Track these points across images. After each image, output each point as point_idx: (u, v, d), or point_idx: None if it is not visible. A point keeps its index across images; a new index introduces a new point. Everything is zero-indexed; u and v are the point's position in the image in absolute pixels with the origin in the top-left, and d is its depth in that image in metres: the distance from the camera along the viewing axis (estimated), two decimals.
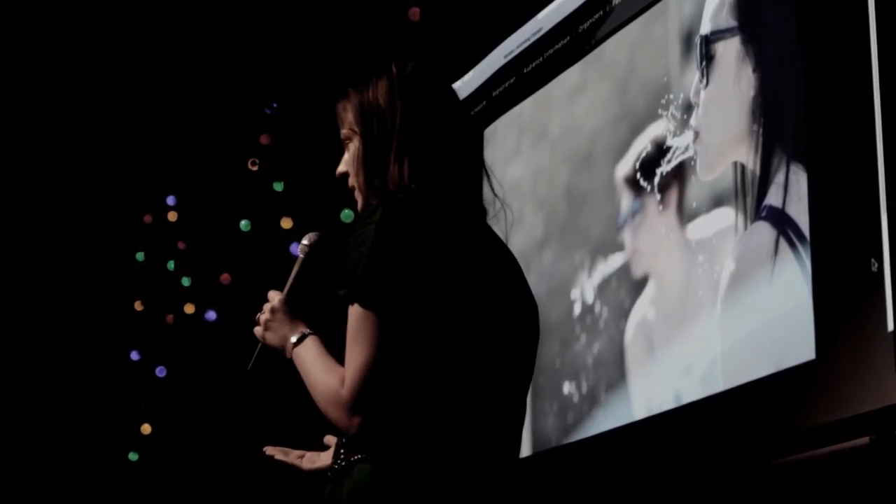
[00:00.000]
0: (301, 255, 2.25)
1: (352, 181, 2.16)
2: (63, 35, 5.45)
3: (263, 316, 2.17)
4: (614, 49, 4.06)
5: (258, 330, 2.19)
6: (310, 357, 2.07)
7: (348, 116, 2.15)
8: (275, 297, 2.19)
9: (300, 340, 2.11)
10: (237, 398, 5.38)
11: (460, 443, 1.99)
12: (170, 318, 5.73)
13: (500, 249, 2.13)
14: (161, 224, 5.78)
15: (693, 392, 3.52)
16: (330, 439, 2.34)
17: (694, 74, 3.64)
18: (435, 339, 1.96)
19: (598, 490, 3.88)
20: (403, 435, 1.96)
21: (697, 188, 3.59)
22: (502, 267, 2.11)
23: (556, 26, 4.35)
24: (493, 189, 2.18)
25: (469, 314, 2.00)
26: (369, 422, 1.95)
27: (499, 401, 2.04)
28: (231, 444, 5.49)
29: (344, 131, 2.17)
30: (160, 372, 5.70)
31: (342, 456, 2.05)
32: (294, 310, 2.17)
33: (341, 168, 2.20)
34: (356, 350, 1.94)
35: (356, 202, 2.17)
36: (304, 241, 2.25)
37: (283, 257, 5.24)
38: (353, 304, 1.96)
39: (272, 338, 2.16)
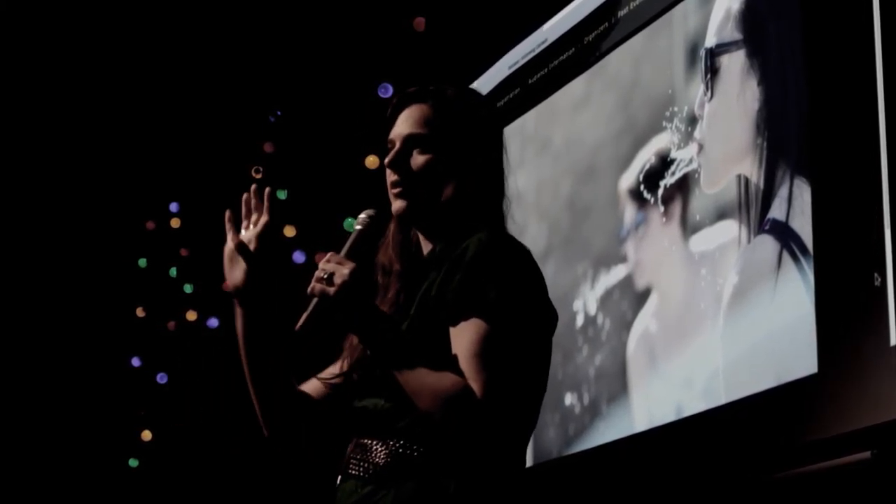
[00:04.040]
0: (359, 227, 2.08)
1: (420, 191, 2.10)
2: (66, 40, 5.45)
3: (339, 278, 1.94)
4: (619, 61, 4.06)
5: (326, 288, 1.95)
6: (415, 348, 1.99)
7: (425, 130, 2.11)
8: (346, 261, 1.98)
9: (394, 324, 2.00)
10: (239, 403, 5.37)
11: (520, 456, 2.07)
12: (171, 324, 5.73)
13: None
14: (164, 230, 5.78)
15: (694, 405, 3.52)
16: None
17: (698, 87, 3.64)
18: (528, 359, 2.03)
19: (599, 502, 3.88)
20: (499, 447, 2.00)
21: (701, 201, 3.59)
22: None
23: (562, 37, 4.35)
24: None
25: (544, 334, 2.09)
26: (492, 430, 1.96)
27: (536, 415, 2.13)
28: (232, 450, 5.48)
29: (414, 132, 2.11)
30: (161, 378, 5.69)
31: (382, 455, 2.01)
32: None
33: (397, 161, 2.10)
34: (491, 364, 1.94)
35: (390, 203, 2.13)
36: (363, 215, 2.08)
37: (285, 265, 5.24)
38: (488, 323, 1.96)
39: (349, 304, 1.95)
